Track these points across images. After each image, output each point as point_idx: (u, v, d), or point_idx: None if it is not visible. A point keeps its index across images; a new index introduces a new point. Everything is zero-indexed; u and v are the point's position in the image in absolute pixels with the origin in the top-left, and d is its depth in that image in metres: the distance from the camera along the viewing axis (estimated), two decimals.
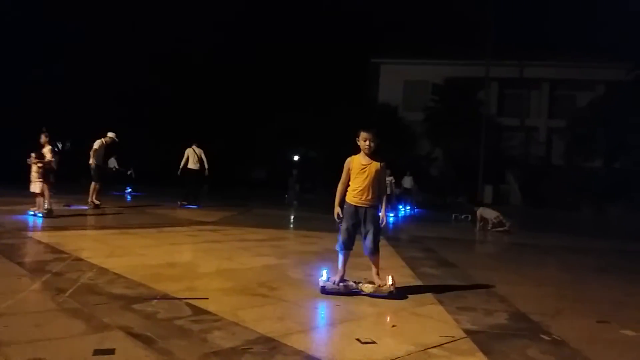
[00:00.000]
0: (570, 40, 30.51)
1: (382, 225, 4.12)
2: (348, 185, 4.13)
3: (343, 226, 4.10)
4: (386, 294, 3.92)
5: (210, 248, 6.27)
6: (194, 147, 12.74)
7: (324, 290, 3.96)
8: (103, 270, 4.37)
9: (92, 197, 10.71)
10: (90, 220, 9.15)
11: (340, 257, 4.16)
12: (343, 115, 25.47)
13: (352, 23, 33.82)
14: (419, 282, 4.79)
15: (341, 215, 4.10)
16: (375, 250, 4.11)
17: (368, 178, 4.02)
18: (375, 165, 4.06)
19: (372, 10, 35.63)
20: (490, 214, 11.90)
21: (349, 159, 4.14)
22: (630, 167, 25.86)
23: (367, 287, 4.02)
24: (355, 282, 4.10)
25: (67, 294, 3.49)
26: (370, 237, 4.05)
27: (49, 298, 3.40)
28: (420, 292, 4.30)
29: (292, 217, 13.47)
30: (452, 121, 28.15)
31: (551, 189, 26.49)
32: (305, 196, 22.79)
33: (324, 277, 4.08)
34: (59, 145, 35.44)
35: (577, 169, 27.19)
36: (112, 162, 13.39)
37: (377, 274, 4.14)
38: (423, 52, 32.12)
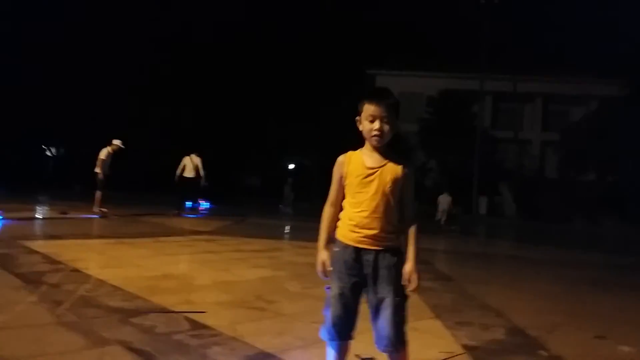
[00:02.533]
0: (564, 55, 30.90)
1: (410, 290, 2.08)
2: (342, 209, 2.15)
3: (333, 289, 2.08)
4: None
5: (206, 259, 6.26)
6: (192, 155, 12.79)
7: None
8: (100, 282, 4.35)
9: (98, 206, 10.81)
10: (85, 228, 9.09)
11: (331, 355, 2.12)
12: (337, 119, 25.40)
13: (349, 34, 34.08)
14: (416, 296, 4.78)
15: (329, 267, 2.10)
16: (398, 343, 2.05)
17: (379, 193, 2.04)
18: (393, 169, 2.07)
19: (368, 22, 35.96)
20: (444, 202, 12.47)
21: (341, 158, 2.16)
22: (622, 180, 26.13)
23: None
24: None
25: (64, 307, 3.47)
26: (387, 313, 2.03)
27: (46, 311, 3.38)
28: (418, 306, 4.31)
29: (287, 226, 13.46)
30: (446, 133, 28.36)
31: (545, 202, 26.68)
32: (300, 205, 22.74)
33: None
34: (52, 151, 35.30)
35: (570, 182, 27.43)
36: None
37: None
38: (418, 64, 32.37)
